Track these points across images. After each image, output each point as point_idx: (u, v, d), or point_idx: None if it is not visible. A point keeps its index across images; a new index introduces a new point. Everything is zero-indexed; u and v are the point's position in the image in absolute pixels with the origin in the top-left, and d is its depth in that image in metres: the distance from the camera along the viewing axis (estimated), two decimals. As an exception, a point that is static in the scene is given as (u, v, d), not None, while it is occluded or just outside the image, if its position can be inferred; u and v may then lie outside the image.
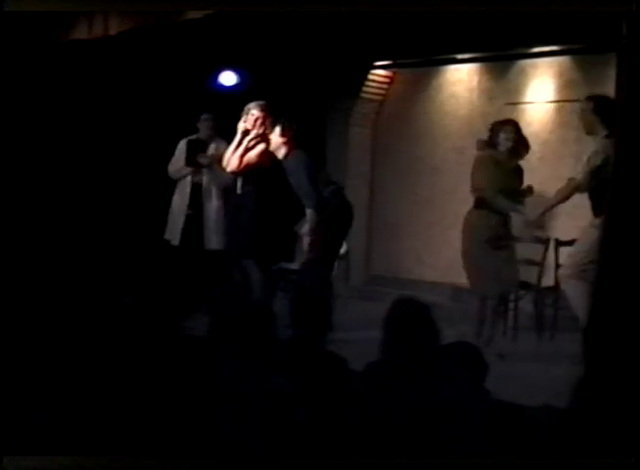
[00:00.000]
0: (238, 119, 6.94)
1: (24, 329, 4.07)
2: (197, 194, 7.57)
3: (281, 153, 6.71)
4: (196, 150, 7.53)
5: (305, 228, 6.77)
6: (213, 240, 7.52)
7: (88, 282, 5.45)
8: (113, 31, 6.87)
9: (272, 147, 6.75)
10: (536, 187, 6.50)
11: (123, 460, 3.10)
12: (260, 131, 6.83)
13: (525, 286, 6.91)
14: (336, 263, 7.03)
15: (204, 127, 7.64)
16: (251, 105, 6.89)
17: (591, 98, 5.89)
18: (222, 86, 7.91)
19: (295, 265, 7.33)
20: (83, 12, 6.90)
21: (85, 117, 7.96)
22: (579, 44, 7.25)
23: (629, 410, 3.07)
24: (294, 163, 6.64)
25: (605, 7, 4.18)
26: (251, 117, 6.86)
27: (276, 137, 6.69)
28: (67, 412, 3.30)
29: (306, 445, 3.17)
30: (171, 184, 7.71)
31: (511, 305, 6.92)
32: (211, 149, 7.57)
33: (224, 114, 7.41)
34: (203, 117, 7.63)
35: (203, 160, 7.51)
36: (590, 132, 5.85)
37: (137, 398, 3.30)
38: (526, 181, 6.66)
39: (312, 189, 6.57)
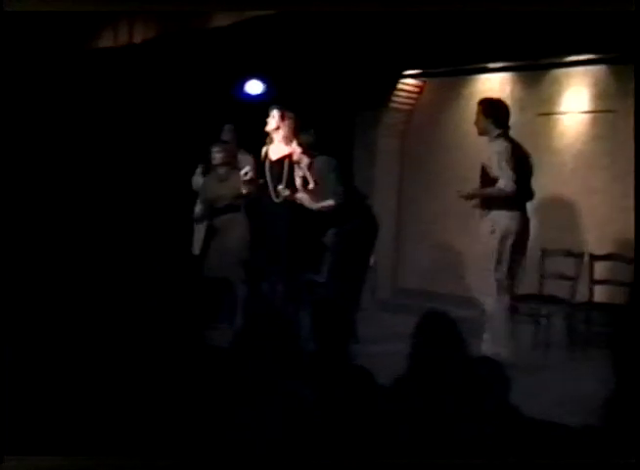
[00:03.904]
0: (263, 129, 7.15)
1: (25, 330, 4.08)
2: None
3: (304, 162, 6.92)
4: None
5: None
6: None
7: (102, 287, 5.44)
8: (137, 39, 6.86)
9: (295, 158, 7.00)
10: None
11: (123, 460, 3.10)
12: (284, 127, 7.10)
13: (557, 301, 6.77)
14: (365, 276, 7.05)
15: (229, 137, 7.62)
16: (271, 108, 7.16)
17: (481, 102, 6.40)
18: (248, 95, 7.87)
19: (321, 278, 7.27)
20: (108, 19, 6.90)
21: (103, 123, 7.96)
22: (614, 53, 7.10)
23: (629, 410, 3.03)
24: (321, 163, 6.86)
25: (605, 7, 4.17)
26: (272, 120, 7.10)
27: (296, 149, 6.96)
28: (67, 412, 3.31)
29: (331, 456, 3.12)
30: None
31: (543, 321, 6.79)
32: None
33: (249, 123, 7.39)
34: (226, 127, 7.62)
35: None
36: (482, 133, 6.32)
37: (136, 397, 3.28)
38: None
39: (340, 187, 6.80)
